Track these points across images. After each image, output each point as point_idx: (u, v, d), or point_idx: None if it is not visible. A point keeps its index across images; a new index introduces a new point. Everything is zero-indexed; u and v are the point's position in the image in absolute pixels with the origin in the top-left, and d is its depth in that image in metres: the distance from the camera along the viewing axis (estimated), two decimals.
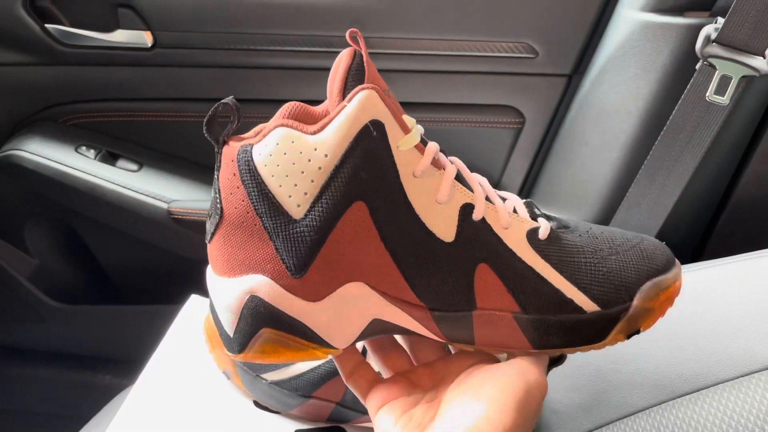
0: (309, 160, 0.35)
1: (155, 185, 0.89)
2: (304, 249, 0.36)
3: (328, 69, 0.94)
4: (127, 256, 1.01)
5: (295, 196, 0.35)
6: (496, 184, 0.92)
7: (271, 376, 0.58)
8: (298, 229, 0.35)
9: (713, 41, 0.67)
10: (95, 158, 0.89)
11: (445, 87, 0.85)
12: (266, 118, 0.98)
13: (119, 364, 1.07)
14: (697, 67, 0.69)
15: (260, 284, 0.37)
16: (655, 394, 0.54)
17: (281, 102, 0.95)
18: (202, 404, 0.59)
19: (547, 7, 0.78)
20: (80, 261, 1.03)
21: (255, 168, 0.36)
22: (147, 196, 0.88)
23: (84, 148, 0.90)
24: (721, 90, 0.68)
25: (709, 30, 0.67)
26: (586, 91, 0.79)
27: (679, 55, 0.71)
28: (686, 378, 0.54)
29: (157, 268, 1.01)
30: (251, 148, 0.36)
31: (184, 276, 1.01)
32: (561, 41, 0.80)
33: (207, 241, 0.39)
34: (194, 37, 0.83)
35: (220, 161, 0.37)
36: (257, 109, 0.90)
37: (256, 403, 0.60)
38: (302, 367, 0.57)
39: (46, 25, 0.84)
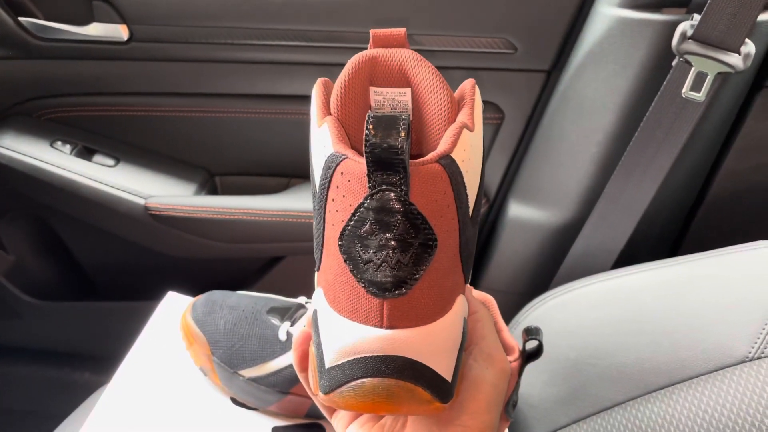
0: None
1: (132, 181, 0.89)
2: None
3: (307, 63, 0.94)
4: (104, 252, 1.01)
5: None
6: None
7: (249, 372, 0.58)
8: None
9: (689, 38, 0.67)
10: (71, 153, 0.89)
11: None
12: (245, 113, 0.97)
13: (96, 361, 1.07)
14: (674, 63, 0.69)
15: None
16: (631, 389, 0.55)
17: (259, 97, 0.96)
18: (179, 401, 0.59)
19: (525, 3, 0.78)
20: (57, 257, 1.03)
21: (463, 180, 0.32)
22: (124, 191, 0.87)
23: (60, 143, 0.89)
24: (696, 86, 0.68)
25: (686, 27, 0.67)
26: (564, 87, 0.79)
27: (656, 52, 0.71)
28: (661, 372, 0.55)
29: (134, 265, 1.01)
30: (452, 158, 0.31)
31: (161, 272, 1.01)
32: (540, 37, 0.80)
33: (400, 293, 0.31)
34: (171, 31, 0.83)
35: (408, 182, 0.30)
36: (235, 103, 0.89)
37: (234, 400, 0.60)
38: (280, 363, 0.57)
39: (20, 19, 0.83)
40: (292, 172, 0.95)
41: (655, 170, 0.74)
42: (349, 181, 0.31)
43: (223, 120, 0.90)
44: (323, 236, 0.33)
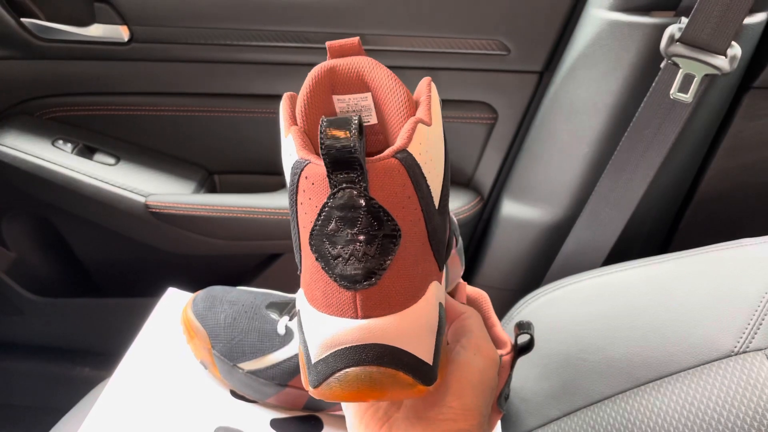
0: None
1: (133, 179, 0.89)
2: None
3: (304, 64, 0.94)
4: (105, 249, 1.01)
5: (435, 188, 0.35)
6: (470, 180, 0.93)
7: (248, 365, 0.58)
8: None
9: (677, 40, 0.68)
10: (72, 152, 0.89)
11: (418, 83, 0.86)
12: (244, 113, 0.97)
13: (97, 356, 1.07)
14: (662, 65, 0.70)
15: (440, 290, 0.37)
16: (621, 382, 0.55)
17: (257, 97, 0.97)
18: (179, 394, 0.60)
19: (519, 5, 0.79)
20: (58, 254, 1.03)
21: (422, 172, 0.33)
22: (124, 189, 0.88)
23: (61, 141, 0.89)
24: (684, 88, 0.69)
25: (673, 29, 0.68)
26: (556, 88, 0.80)
27: (645, 54, 0.72)
28: (650, 366, 0.55)
29: (134, 262, 1.01)
30: (408, 152, 0.33)
31: (161, 269, 1.01)
32: (532, 39, 0.81)
33: (370, 284, 0.32)
34: (171, 32, 0.83)
35: (366, 178, 0.31)
36: (233, 103, 0.90)
37: (233, 393, 0.61)
38: (278, 356, 0.58)
39: (22, 19, 0.84)
40: None
41: (645, 169, 0.75)
42: (313, 183, 0.32)
43: (222, 119, 0.91)
44: (299, 239, 0.34)
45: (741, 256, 0.61)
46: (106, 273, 1.05)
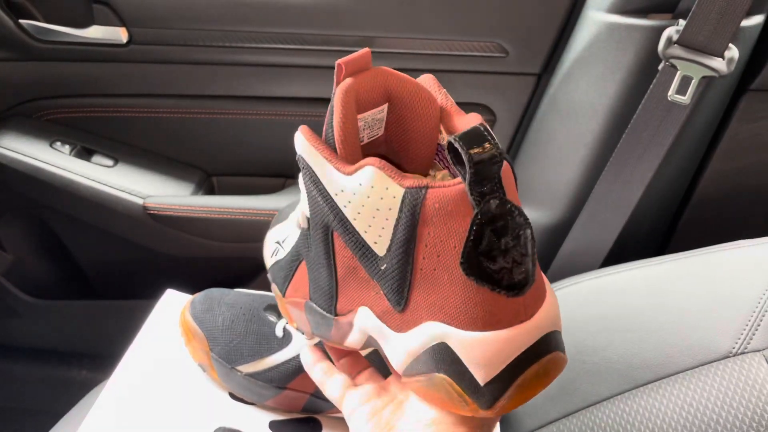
0: None
1: (131, 181, 0.89)
2: None
3: (303, 66, 0.94)
4: (103, 251, 1.01)
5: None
6: None
7: (246, 368, 0.58)
8: None
9: (675, 43, 0.68)
10: (70, 154, 0.89)
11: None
12: (242, 114, 0.98)
13: (94, 359, 1.07)
14: (660, 67, 0.70)
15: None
16: (619, 383, 0.55)
17: (255, 98, 0.97)
18: (177, 396, 0.59)
19: (517, 8, 0.79)
20: (55, 256, 1.03)
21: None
22: (122, 191, 0.88)
23: (59, 143, 0.89)
24: (682, 90, 0.69)
25: (671, 32, 0.68)
26: (554, 90, 0.80)
27: (642, 56, 0.72)
28: (648, 367, 0.54)
29: (132, 264, 1.01)
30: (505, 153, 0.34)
31: (159, 271, 1.01)
32: (531, 41, 0.81)
33: (533, 282, 0.32)
34: (169, 34, 0.83)
35: (502, 185, 0.31)
36: (231, 105, 0.90)
37: (232, 395, 0.60)
38: (277, 359, 0.58)
39: (21, 21, 0.84)
40: (288, 172, 0.96)
41: (643, 171, 0.75)
42: (443, 206, 0.31)
43: (220, 121, 0.91)
44: (412, 275, 0.33)
45: (739, 257, 0.61)
46: (104, 275, 1.05)
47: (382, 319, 0.36)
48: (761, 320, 0.52)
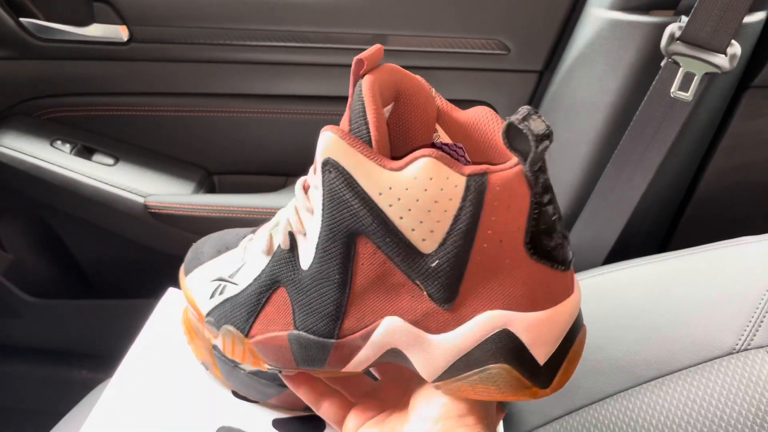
0: None
1: (132, 179, 0.89)
2: None
3: (303, 64, 0.94)
4: (103, 250, 1.01)
5: None
6: None
7: (250, 366, 0.58)
8: None
9: (677, 39, 0.68)
10: (71, 153, 0.89)
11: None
12: (243, 113, 0.98)
13: (95, 358, 1.07)
14: (662, 64, 0.70)
15: None
16: (622, 380, 0.55)
17: (257, 97, 0.97)
18: (180, 395, 0.59)
19: (519, 5, 0.79)
20: (56, 256, 1.03)
21: None
22: (123, 190, 0.88)
23: (59, 142, 0.89)
24: (684, 86, 0.69)
25: (674, 28, 0.68)
26: (556, 87, 0.80)
27: (645, 53, 0.72)
28: (651, 364, 0.54)
29: (133, 263, 1.01)
30: None
31: (160, 270, 1.01)
32: (532, 38, 0.81)
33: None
34: (170, 32, 0.83)
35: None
36: (233, 103, 0.90)
37: (235, 393, 0.60)
38: None
39: (21, 19, 0.84)
40: (289, 170, 0.95)
41: (645, 168, 0.75)
42: (506, 189, 0.31)
43: (221, 119, 0.91)
44: (467, 267, 0.33)
45: (742, 254, 0.61)
46: (105, 274, 1.05)
47: (419, 323, 0.35)
48: (765, 316, 0.52)
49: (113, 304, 1.04)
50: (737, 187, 0.86)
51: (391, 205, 0.33)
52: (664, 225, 0.92)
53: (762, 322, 0.52)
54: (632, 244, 0.86)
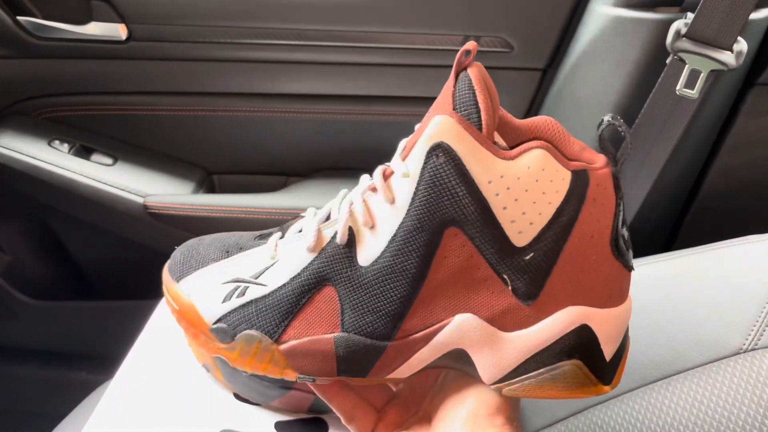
0: None
1: (131, 179, 0.89)
2: None
3: (304, 62, 0.94)
4: (103, 251, 1.01)
5: None
6: None
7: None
8: None
9: (683, 36, 0.68)
10: (69, 152, 0.89)
11: (422, 81, 0.86)
12: (243, 112, 0.97)
13: (94, 360, 1.07)
14: (668, 61, 0.70)
15: None
16: (628, 381, 0.55)
17: (257, 95, 0.96)
18: (182, 397, 0.59)
19: (522, 2, 0.79)
20: (54, 256, 1.02)
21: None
22: (122, 190, 0.87)
23: (57, 142, 0.89)
24: (690, 84, 0.69)
25: (679, 25, 0.68)
26: (560, 85, 0.80)
27: (650, 50, 0.72)
28: (657, 365, 0.54)
29: (132, 263, 1.01)
30: None
31: (159, 271, 1.00)
32: (536, 36, 0.81)
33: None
34: (169, 31, 0.83)
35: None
36: (232, 102, 0.90)
37: (237, 396, 0.60)
38: None
39: (19, 18, 0.83)
40: (290, 170, 0.95)
41: (650, 166, 0.75)
42: (601, 186, 0.33)
43: (221, 119, 0.90)
44: (556, 261, 0.34)
45: (748, 252, 0.61)
46: (104, 275, 1.05)
47: (495, 320, 0.35)
48: None
49: (113, 305, 1.04)
50: (742, 185, 0.86)
51: (497, 194, 0.33)
52: (670, 222, 0.92)
53: None
54: (638, 242, 0.86)
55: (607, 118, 0.32)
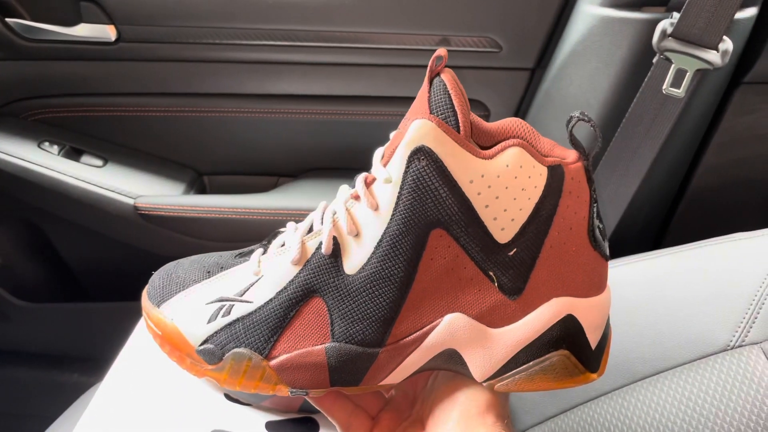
0: None
1: (121, 181, 0.88)
2: None
3: (294, 63, 0.94)
4: (93, 252, 1.00)
5: None
6: None
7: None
8: None
9: (669, 35, 0.68)
10: (59, 154, 0.88)
11: (411, 81, 0.86)
12: (233, 113, 0.97)
13: (86, 362, 1.06)
14: (654, 60, 0.70)
15: None
16: (617, 378, 0.55)
17: (247, 96, 0.96)
18: (172, 398, 0.59)
19: (510, 2, 0.79)
20: (45, 258, 1.02)
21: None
22: (113, 191, 0.87)
23: (47, 143, 0.88)
24: (676, 83, 0.69)
25: (665, 24, 0.68)
26: (548, 85, 0.80)
27: (637, 49, 0.72)
28: (646, 361, 0.55)
29: (123, 265, 1.00)
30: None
31: (151, 272, 1.00)
32: (524, 36, 0.81)
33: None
34: (159, 32, 0.83)
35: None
36: (223, 103, 0.89)
37: (228, 396, 0.60)
38: None
39: (7, 19, 0.83)
40: (281, 170, 0.95)
41: (638, 165, 0.75)
42: (576, 180, 0.34)
43: (211, 120, 0.90)
44: (538, 255, 0.35)
45: (735, 250, 0.62)
46: (95, 277, 1.04)
47: (483, 318, 0.35)
48: (758, 313, 0.52)
49: (104, 307, 1.03)
50: (729, 183, 0.86)
51: (479, 194, 0.33)
52: (658, 221, 0.93)
53: (756, 318, 0.52)
54: (626, 240, 0.86)
55: (576, 114, 0.33)
